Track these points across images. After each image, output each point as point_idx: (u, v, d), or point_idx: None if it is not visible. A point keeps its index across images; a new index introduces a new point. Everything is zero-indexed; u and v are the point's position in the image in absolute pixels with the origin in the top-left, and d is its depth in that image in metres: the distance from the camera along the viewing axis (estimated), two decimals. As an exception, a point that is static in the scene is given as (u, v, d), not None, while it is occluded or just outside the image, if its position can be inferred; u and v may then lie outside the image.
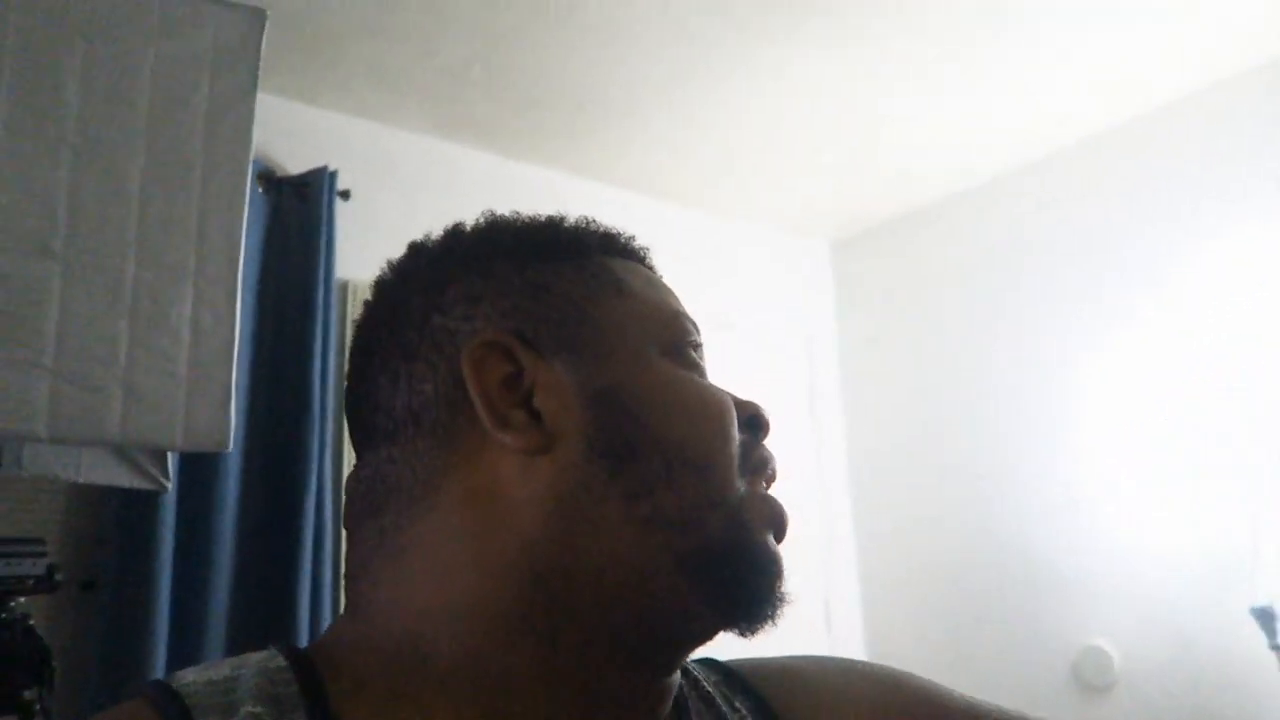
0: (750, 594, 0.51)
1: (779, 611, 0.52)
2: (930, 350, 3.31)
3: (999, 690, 2.88)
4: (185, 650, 1.93)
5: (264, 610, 2.07)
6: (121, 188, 1.20)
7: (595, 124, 2.73)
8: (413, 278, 0.58)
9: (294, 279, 2.30)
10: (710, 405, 0.54)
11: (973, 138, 2.91)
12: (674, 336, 0.57)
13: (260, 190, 2.30)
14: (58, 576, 1.26)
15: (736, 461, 0.53)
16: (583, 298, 0.56)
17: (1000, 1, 2.26)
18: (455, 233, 0.60)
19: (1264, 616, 2.25)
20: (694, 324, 0.60)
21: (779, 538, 0.54)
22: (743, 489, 0.53)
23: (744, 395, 0.58)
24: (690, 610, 0.50)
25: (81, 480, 1.45)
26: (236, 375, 1.31)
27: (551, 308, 0.55)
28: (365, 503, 0.54)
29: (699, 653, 0.61)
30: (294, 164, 2.42)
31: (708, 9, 2.24)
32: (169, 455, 1.50)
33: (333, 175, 2.40)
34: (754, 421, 0.56)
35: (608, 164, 2.95)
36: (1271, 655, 2.23)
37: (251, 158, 1.30)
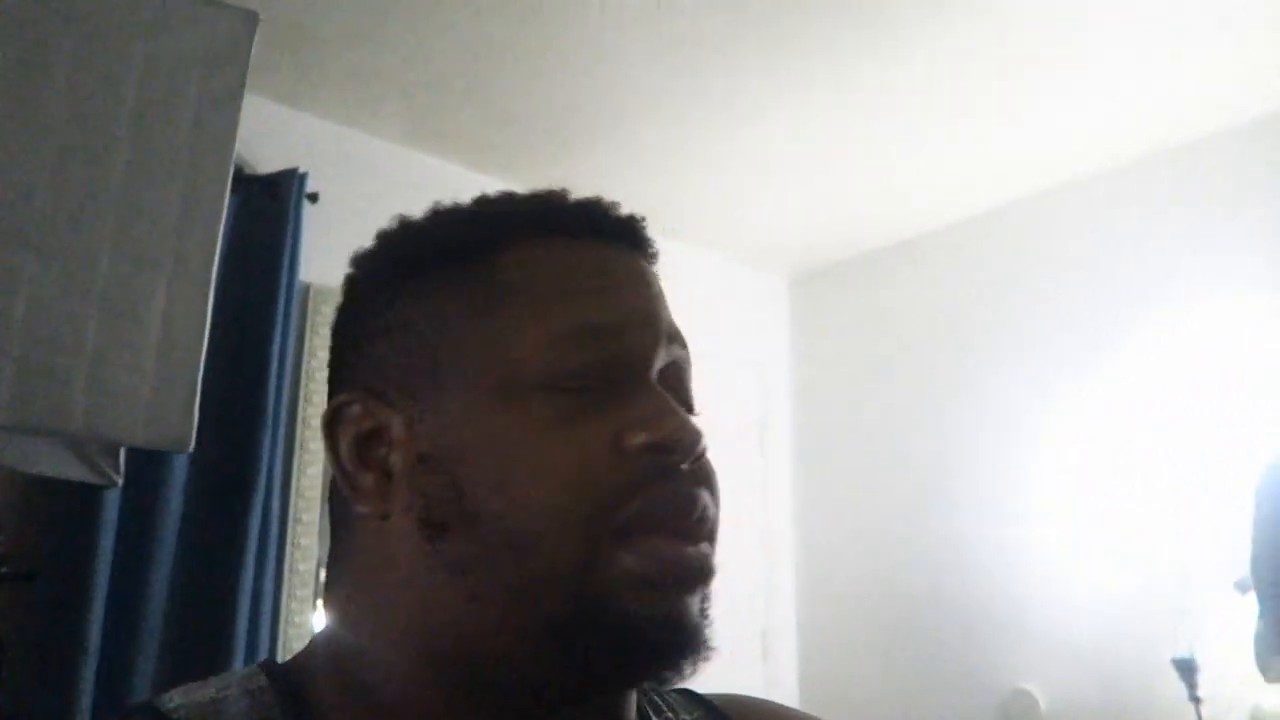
0: (623, 666, 0.46)
1: (679, 669, 0.46)
2: (880, 392, 3.37)
3: (931, 727, 2.90)
4: (118, 648, 1.89)
5: (202, 613, 2.04)
6: (104, 181, 1.19)
7: (566, 141, 2.76)
8: (336, 318, 0.56)
9: (257, 278, 2.28)
10: (548, 466, 0.45)
11: (935, 183, 3.00)
12: (542, 369, 0.47)
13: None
14: (3, 569, 1.24)
15: (583, 528, 0.44)
16: (434, 331, 0.50)
17: (966, 51, 2.33)
18: (369, 252, 0.55)
19: (1185, 668, 2.32)
20: (608, 336, 0.49)
21: (684, 589, 0.46)
22: (587, 558, 0.44)
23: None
24: (564, 682, 0.46)
25: (31, 470, 1.43)
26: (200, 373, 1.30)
27: (402, 351, 0.50)
28: (331, 530, 0.54)
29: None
30: (265, 163, 2.40)
31: (684, 39, 2.29)
32: (121, 450, 1.48)
33: (303, 177, 2.39)
34: (656, 449, 0.47)
35: (575, 180, 2.94)
36: (1190, 706, 2.31)
37: (234, 158, 1.30)
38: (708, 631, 0.47)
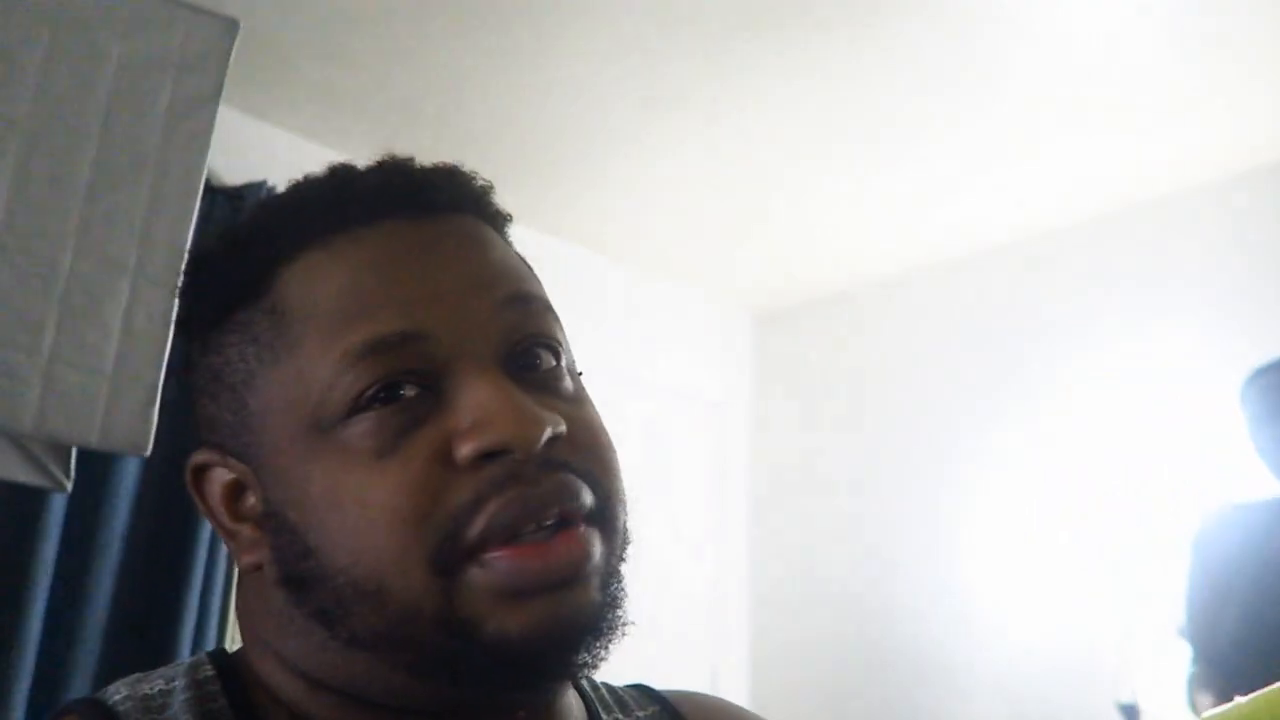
0: (519, 679, 0.45)
1: (575, 668, 0.44)
2: (839, 433, 3.39)
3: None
4: (54, 659, 1.84)
5: (144, 625, 1.99)
6: (69, 178, 1.18)
7: (533, 171, 2.78)
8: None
9: (218, 290, 2.25)
10: (371, 506, 0.42)
11: (903, 226, 3.05)
12: (341, 399, 0.43)
13: (194, 197, 2.26)
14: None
15: (426, 564, 0.42)
16: (241, 383, 0.47)
17: (941, 96, 2.39)
18: (181, 299, 0.51)
19: (1129, 713, 2.36)
20: (412, 341, 0.44)
21: (560, 587, 0.43)
22: (445, 589, 0.42)
23: (640, 453, 0.46)
24: (465, 703, 0.45)
25: (-24, 471, 1.39)
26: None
27: (226, 407, 0.47)
28: None
29: (630, 679, 0.61)
30: (232, 175, 2.39)
31: (654, 74, 2.32)
32: (72, 453, 1.45)
33: (270, 191, 2.38)
34: (493, 453, 0.43)
35: (542, 210, 2.99)
36: (1133, 750, 2.34)
37: (206, 166, 1.30)
38: (611, 614, 0.45)
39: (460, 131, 2.60)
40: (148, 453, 1.21)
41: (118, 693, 0.47)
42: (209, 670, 0.48)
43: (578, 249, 3.14)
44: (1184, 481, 2.49)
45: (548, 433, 0.43)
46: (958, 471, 3.01)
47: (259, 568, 0.46)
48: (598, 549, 0.44)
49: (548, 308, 0.49)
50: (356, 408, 0.43)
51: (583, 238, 3.12)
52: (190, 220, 1.26)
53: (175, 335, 0.53)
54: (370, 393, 0.43)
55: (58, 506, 1.87)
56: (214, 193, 2.33)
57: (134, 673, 0.49)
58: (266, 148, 2.54)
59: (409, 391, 0.43)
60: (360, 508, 0.42)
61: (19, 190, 1.15)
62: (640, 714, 0.58)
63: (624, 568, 0.47)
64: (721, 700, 0.63)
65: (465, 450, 0.42)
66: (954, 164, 2.67)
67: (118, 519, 1.99)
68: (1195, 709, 2.03)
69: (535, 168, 2.76)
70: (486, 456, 0.42)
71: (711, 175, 2.77)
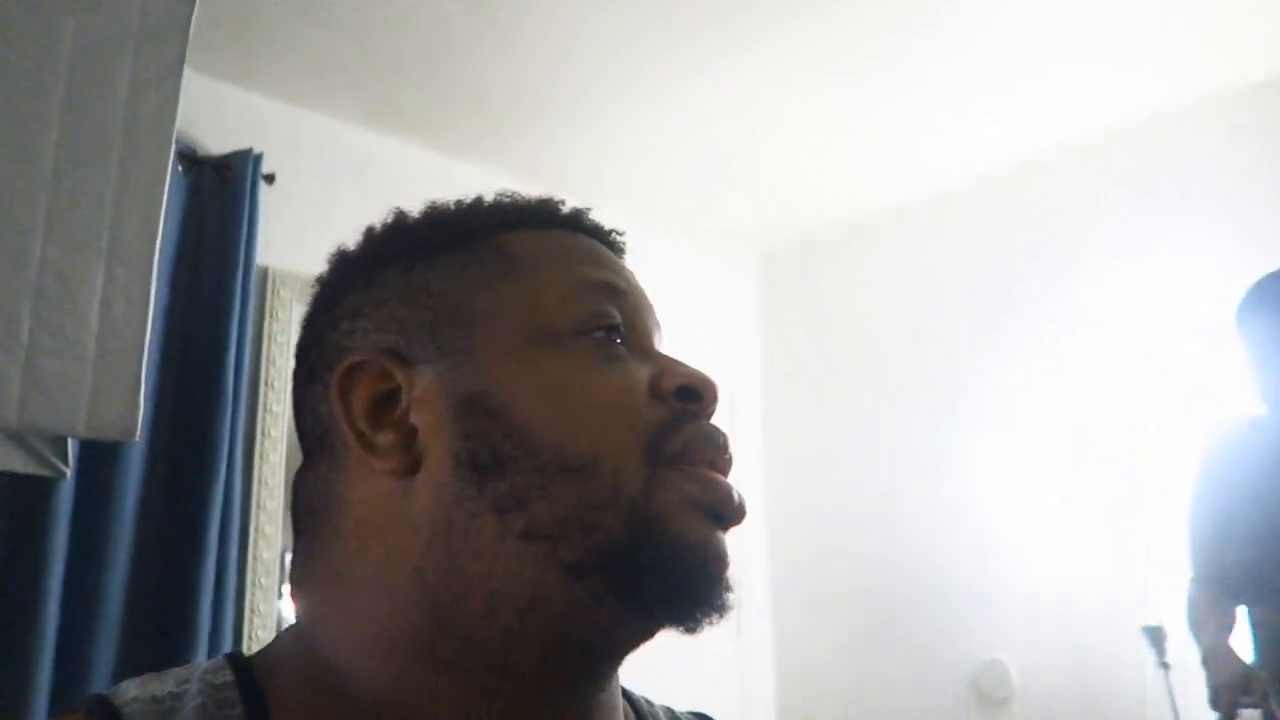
0: (675, 591, 0.47)
1: (722, 602, 0.47)
2: (850, 369, 3.37)
3: (902, 701, 2.96)
4: (74, 647, 1.85)
5: (161, 610, 2.00)
6: (33, 162, 1.14)
7: (527, 123, 2.72)
8: (320, 291, 0.56)
9: (211, 262, 2.22)
10: (598, 397, 0.48)
11: (905, 158, 2.98)
12: (570, 317, 0.50)
13: (180, 170, 2.22)
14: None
15: (639, 452, 0.47)
16: (460, 290, 0.52)
17: (936, 27, 2.31)
18: (363, 237, 0.57)
19: (1154, 635, 2.34)
20: (618, 296, 0.53)
21: (725, 523, 0.49)
22: (648, 479, 0.47)
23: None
24: (601, 620, 0.46)
25: (-28, 465, 1.38)
26: (146, 361, 1.26)
27: (426, 310, 0.51)
28: (295, 519, 0.53)
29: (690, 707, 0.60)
30: (217, 145, 2.34)
31: (647, 16, 2.25)
32: (70, 442, 1.44)
33: (258, 158, 2.33)
34: (687, 392, 0.51)
35: (537, 163, 2.93)
36: (1160, 672, 2.33)
37: (174, 139, 1.25)
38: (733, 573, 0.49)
39: (449, 88, 2.54)
40: (136, 439, 1.18)
41: (127, 692, 0.46)
42: (227, 675, 0.47)
43: (571, 200, 3.08)
44: (1202, 398, 2.44)
45: (719, 399, 0.52)
46: (971, 400, 2.98)
47: (406, 470, 0.48)
48: (745, 507, 0.51)
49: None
50: (581, 329, 0.50)
51: (577, 191, 3.05)
52: (162, 197, 1.22)
53: (351, 269, 0.56)
54: (593, 317, 0.51)
55: (66, 493, 1.87)
56: (201, 164, 2.30)
57: (154, 652, 0.48)
58: (252, 116, 2.49)
59: (616, 332, 0.52)
60: (587, 394, 0.48)
61: (-18, 178, 1.12)
62: None
63: None
64: None
65: (670, 383, 0.50)
66: (948, 94, 2.59)
67: (127, 501, 1.99)
68: (1195, 631, 2.01)
69: (525, 122, 2.70)
70: (683, 396, 0.50)
71: (706, 119, 2.70)
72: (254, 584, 2.21)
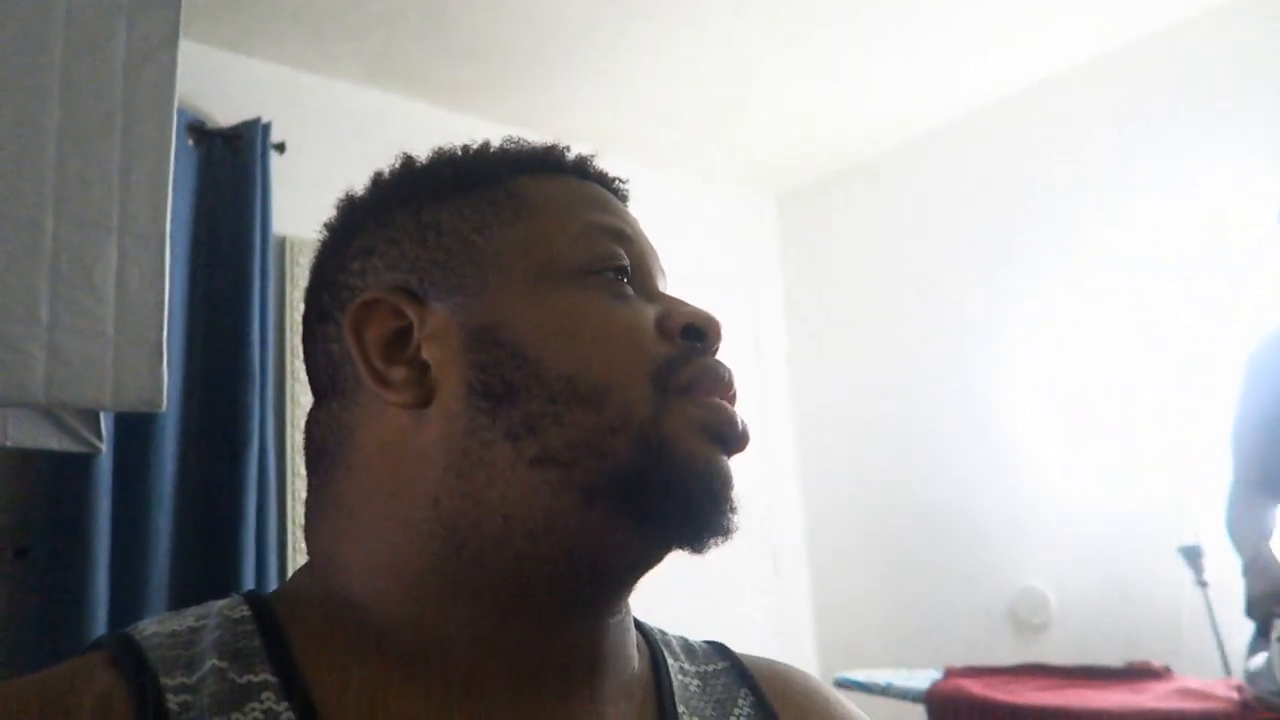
0: (683, 511, 0.48)
1: (728, 523, 0.49)
2: (873, 304, 3.34)
3: (940, 632, 2.97)
4: (124, 617, 1.90)
5: (207, 573, 2.05)
6: (37, 141, 1.15)
7: (534, 75, 2.69)
8: (330, 235, 0.57)
9: (228, 233, 2.24)
10: (608, 329, 0.50)
11: (914, 91, 2.92)
12: (580, 257, 0.52)
13: (190, 143, 2.23)
14: (-12, 543, 1.23)
15: (648, 381, 0.48)
16: (472, 230, 0.53)
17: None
18: (371, 182, 0.58)
19: (1191, 554, 2.34)
20: (625, 241, 0.54)
21: (729, 447, 0.50)
22: (657, 405, 0.48)
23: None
24: (612, 542, 0.48)
25: (9, 444, 1.41)
26: (170, 333, 1.28)
27: (438, 249, 0.52)
28: (308, 458, 0.55)
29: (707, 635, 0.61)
30: (225, 115, 2.34)
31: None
32: (102, 417, 1.47)
33: (266, 127, 2.33)
34: (692, 331, 0.52)
35: (546, 116, 2.91)
36: (1198, 591, 2.32)
37: (175, 109, 1.25)
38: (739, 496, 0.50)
39: (450, 41, 2.51)
40: (163, 408, 1.20)
41: (147, 628, 0.47)
42: (244, 610, 0.48)
43: (584, 151, 3.06)
44: (1233, 311, 2.40)
45: (722, 339, 0.54)
46: (996, 327, 2.96)
47: (419, 403, 0.49)
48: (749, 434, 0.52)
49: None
50: (590, 268, 0.51)
51: (585, 139, 3.03)
52: (168, 169, 1.22)
53: (361, 210, 0.57)
54: (602, 257, 0.52)
55: (105, 469, 1.91)
56: (211, 136, 2.30)
57: None
58: (257, 84, 2.48)
59: (622, 272, 0.53)
60: (597, 326, 0.49)
61: (-12, 161, 1.13)
62: (709, 667, 0.59)
63: None
64: (795, 669, 0.62)
65: (678, 320, 0.52)
66: (956, 21, 2.52)
67: (165, 473, 2.03)
68: (1234, 536, 1.99)
69: (529, 72, 2.67)
70: (689, 333, 0.52)
71: (712, 61, 2.66)
72: (295, 548, 2.25)
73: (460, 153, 0.57)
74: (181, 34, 1.29)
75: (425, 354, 0.50)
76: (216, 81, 2.38)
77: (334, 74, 2.61)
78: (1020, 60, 2.78)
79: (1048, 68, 2.83)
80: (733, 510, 0.49)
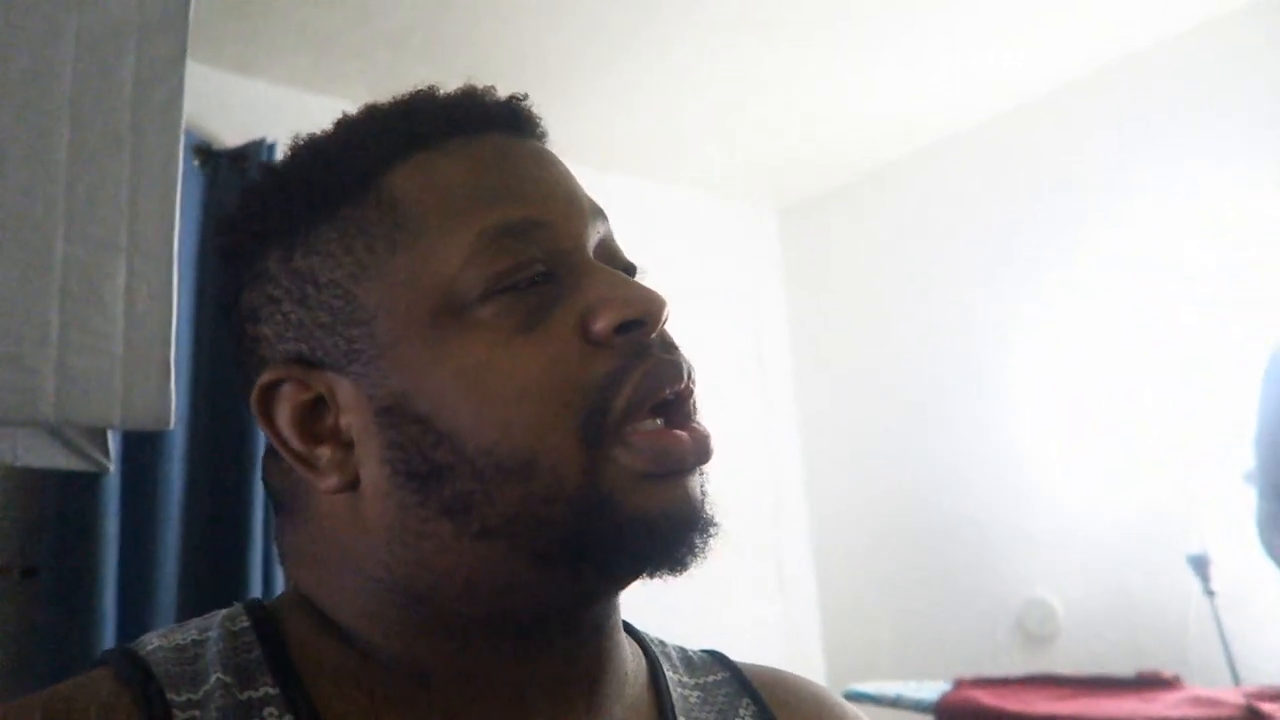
0: (645, 556, 0.45)
1: (700, 548, 0.45)
2: (876, 314, 3.35)
3: (947, 643, 2.96)
4: (133, 637, 1.90)
5: (214, 591, 2.05)
6: (47, 163, 1.16)
7: (536, 93, 2.68)
8: (220, 274, 0.52)
9: (234, 254, 2.25)
10: (520, 381, 0.43)
11: (915, 103, 2.94)
12: (477, 281, 0.45)
13: (197, 164, 2.24)
14: (-3, 563, 1.23)
15: (577, 438, 0.43)
16: (348, 277, 0.46)
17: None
18: (240, 204, 0.51)
19: (1199, 563, 2.33)
20: (535, 229, 0.46)
21: (686, 474, 0.45)
22: (589, 464, 0.43)
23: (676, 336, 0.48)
24: (580, 589, 0.46)
25: (17, 463, 1.42)
26: (177, 352, 1.29)
27: (320, 308, 0.46)
28: (270, 497, 0.52)
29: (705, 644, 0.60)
30: (231, 136, 2.36)
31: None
32: (110, 437, 1.47)
33: (271, 147, 2.34)
34: (626, 325, 0.45)
35: (550, 133, 2.92)
36: (1206, 600, 2.32)
37: (183, 131, 1.27)
38: (710, 509, 0.47)
39: (450, 61, 2.52)
40: (171, 427, 1.21)
41: (151, 642, 0.46)
42: (244, 621, 0.48)
43: (583, 168, 3.07)
44: (1240, 320, 2.39)
45: (668, 309, 0.46)
46: (1003, 335, 2.96)
47: (349, 486, 0.45)
48: (710, 443, 0.47)
49: (606, 218, 0.52)
50: (491, 289, 0.44)
51: (589, 153, 3.05)
52: (175, 189, 1.24)
53: (237, 253, 0.50)
54: (503, 274, 0.44)
55: (113, 488, 1.91)
56: (217, 156, 2.32)
57: None
58: (262, 104, 2.50)
59: (538, 277, 0.45)
60: (508, 381, 0.43)
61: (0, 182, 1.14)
62: (708, 678, 0.57)
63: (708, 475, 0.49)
64: (798, 677, 0.61)
65: (604, 322, 0.44)
66: (955, 34, 2.54)
67: (173, 491, 2.03)
68: (1271, 549, 1.98)
69: (532, 90, 2.66)
70: (622, 330, 0.44)
71: (712, 74, 2.67)
72: (300, 565, 2.25)
73: (322, 147, 0.50)
74: (187, 57, 1.30)
75: (344, 424, 0.46)
76: (222, 102, 2.40)
77: (338, 94, 2.63)
78: (1021, 71, 2.79)
79: (1048, 79, 2.84)
80: (703, 532, 0.46)
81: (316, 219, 0.47)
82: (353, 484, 0.46)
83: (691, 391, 0.47)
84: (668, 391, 0.45)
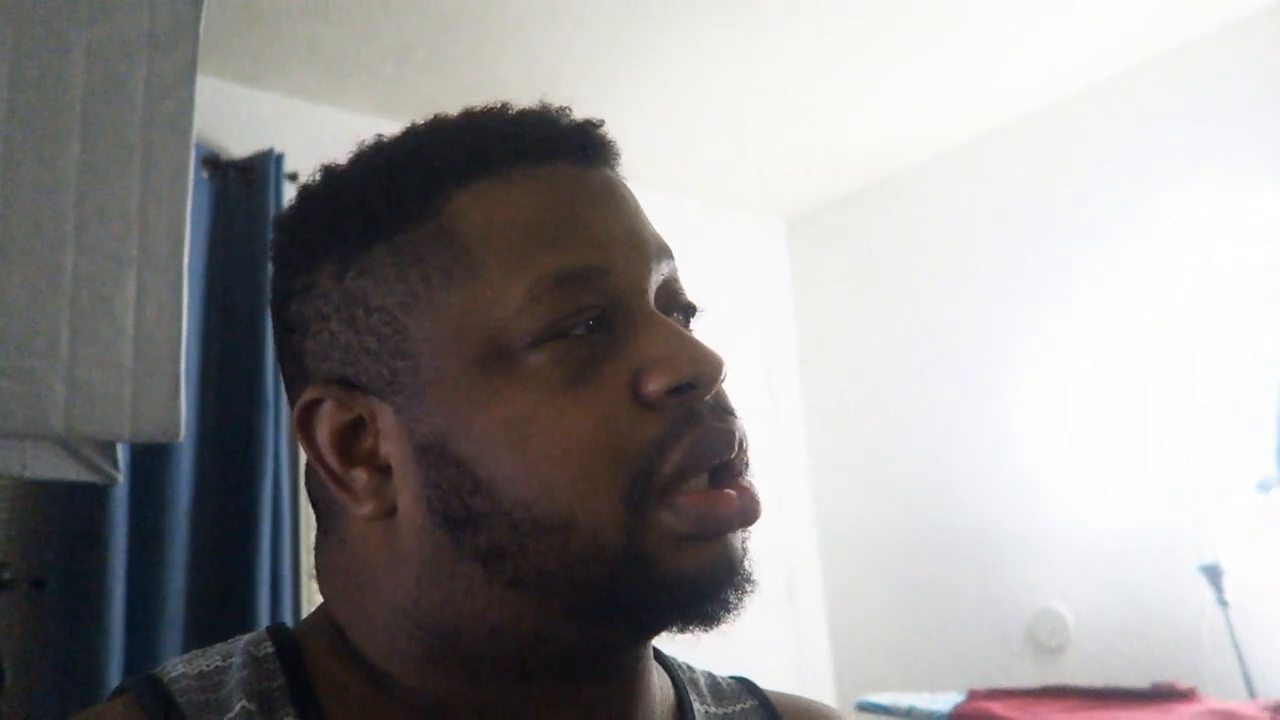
0: (679, 615, 0.44)
1: (735, 605, 0.44)
2: (884, 324, 3.34)
3: (957, 655, 2.94)
4: (140, 648, 1.90)
5: (222, 605, 2.05)
6: (58, 176, 1.17)
7: (544, 101, 2.70)
8: (272, 279, 0.51)
9: (243, 264, 2.26)
10: (566, 440, 0.41)
11: (924, 112, 2.93)
12: (530, 328, 0.43)
13: (205, 175, 2.25)
14: (6, 575, 1.23)
15: (620, 502, 0.41)
16: (399, 306, 0.44)
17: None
18: (296, 203, 0.50)
19: (1211, 573, 2.31)
20: (596, 277, 0.44)
21: (735, 529, 0.44)
22: (632, 528, 0.41)
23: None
24: (612, 643, 0.45)
25: (27, 476, 1.42)
26: (186, 365, 1.29)
27: (368, 333, 0.45)
28: (313, 505, 0.51)
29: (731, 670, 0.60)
30: (239, 148, 2.37)
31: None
32: (119, 448, 1.47)
33: (279, 158, 2.35)
34: (679, 389, 0.43)
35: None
36: (1219, 610, 2.30)
37: (193, 144, 1.27)
38: (750, 565, 0.45)
39: (459, 74, 2.53)
40: (180, 439, 1.21)
41: (174, 669, 0.46)
42: (268, 648, 0.47)
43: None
44: (1254, 331, 2.38)
45: (724, 372, 0.44)
46: (1012, 346, 2.94)
47: (384, 514, 0.45)
48: (758, 503, 0.45)
49: (672, 255, 0.50)
50: (544, 336, 0.42)
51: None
52: (186, 201, 1.24)
53: (291, 259, 0.49)
54: (559, 321, 0.42)
55: (121, 499, 1.91)
56: (224, 168, 2.32)
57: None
58: (269, 116, 2.51)
59: (593, 326, 0.44)
60: (552, 440, 0.41)
61: (10, 194, 1.14)
62: (735, 707, 0.57)
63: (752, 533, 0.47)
64: (826, 707, 0.61)
65: (657, 385, 0.43)
66: (971, 38, 2.53)
67: (180, 503, 2.03)
68: None
69: (541, 100, 2.69)
70: (676, 394, 0.43)
71: (721, 86, 2.68)
72: (309, 577, 2.25)
73: (381, 159, 0.48)
74: (197, 71, 1.31)
75: (383, 451, 0.45)
76: (230, 115, 2.41)
77: (346, 106, 2.64)
78: (1028, 82, 2.79)
79: (1055, 90, 2.83)
80: (739, 589, 0.44)
81: (373, 239, 0.46)
82: (389, 512, 0.45)
83: (745, 456, 0.46)
84: (716, 460, 0.44)
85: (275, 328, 0.50)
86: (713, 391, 0.44)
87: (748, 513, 0.44)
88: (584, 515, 0.41)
